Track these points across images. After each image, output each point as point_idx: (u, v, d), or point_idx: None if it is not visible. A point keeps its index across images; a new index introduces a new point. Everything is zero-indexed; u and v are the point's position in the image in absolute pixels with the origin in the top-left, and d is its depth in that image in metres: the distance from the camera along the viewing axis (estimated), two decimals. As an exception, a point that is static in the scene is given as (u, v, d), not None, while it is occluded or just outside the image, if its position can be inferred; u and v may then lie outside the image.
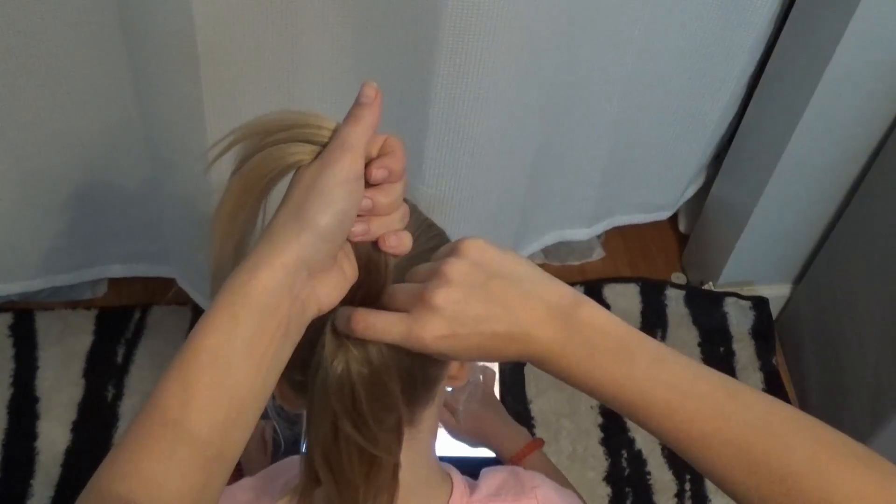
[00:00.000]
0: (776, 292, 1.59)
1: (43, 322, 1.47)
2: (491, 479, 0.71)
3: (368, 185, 0.55)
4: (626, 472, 1.41)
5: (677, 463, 1.42)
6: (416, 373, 0.59)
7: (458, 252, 0.56)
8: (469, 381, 0.74)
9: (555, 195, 1.43)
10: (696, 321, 1.57)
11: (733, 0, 1.19)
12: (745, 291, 1.59)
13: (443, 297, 0.54)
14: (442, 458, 0.71)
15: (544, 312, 0.55)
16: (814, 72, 1.21)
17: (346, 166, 0.53)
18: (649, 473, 1.41)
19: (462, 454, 1.02)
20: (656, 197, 1.54)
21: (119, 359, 1.45)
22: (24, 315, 1.48)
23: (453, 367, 0.66)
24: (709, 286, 1.59)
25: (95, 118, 1.17)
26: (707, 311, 1.57)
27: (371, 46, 1.06)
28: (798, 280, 1.57)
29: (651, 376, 0.54)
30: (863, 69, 1.19)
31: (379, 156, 0.56)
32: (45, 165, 1.22)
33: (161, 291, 1.52)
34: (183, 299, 1.47)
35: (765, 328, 1.56)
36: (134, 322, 1.49)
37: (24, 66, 1.09)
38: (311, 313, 0.54)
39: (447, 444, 1.00)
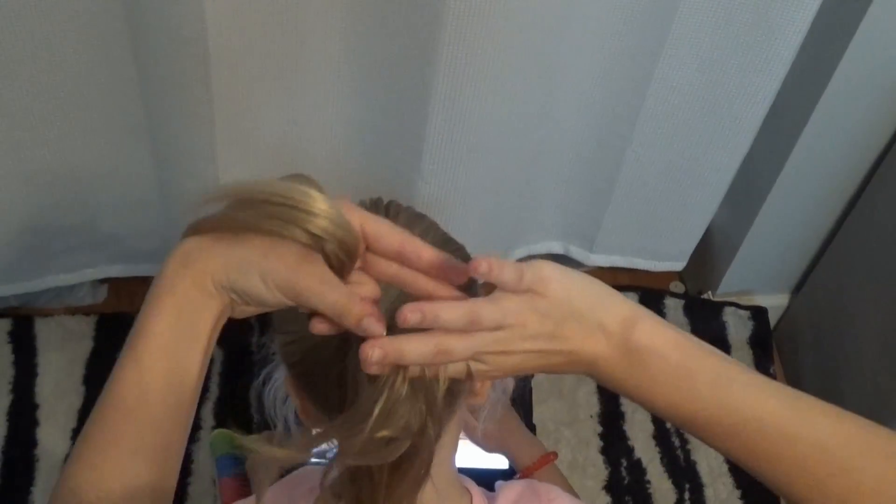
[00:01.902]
0: (774, 302, 1.60)
1: (42, 328, 1.46)
2: (508, 491, 0.71)
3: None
4: (626, 481, 1.41)
5: (677, 472, 1.42)
6: (434, 388, 0.59)
7: (528, 293, 0.55)
8: (489, 399, 0.74)
9: (555, 205, 1.44)
10: (695, 330, 1.57)
11: (753, 47, 1.17)
12: (744, 301, 1.60)
13: (512, 347, 0.54)
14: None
15: (604, 342, 0.55)
16: (816, 84, 1.22)
17: (313, 296, 0.53)
18: (649, 482, 1.42)
19: (475, 466, 1.02)
20: (670, 245, 1.54)
21: (119, 365, 1.44)
22: (23, 321, 1.47)
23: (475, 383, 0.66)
24: (707, 295, 1.60)
25: (101, 119, 1.17)
26: (706, 320, 1.58)
27: (376, 49, 1.07)
28: (797, 290, 1.58)
29: (713, 400, 0.53)
30: (865, 84, 1.20)
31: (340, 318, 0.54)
32: (49, 165, 1.22)
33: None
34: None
35: (763, 337, 1.57)
36: (134, 328, 1.48)
37: (29, 68, 1.08)
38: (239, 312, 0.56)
39: (461, 454, 1.00)
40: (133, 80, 1.12)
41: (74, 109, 1.15)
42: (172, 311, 0.53)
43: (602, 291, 0.57)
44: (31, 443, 1.35)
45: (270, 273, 0.52)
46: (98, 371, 1.43)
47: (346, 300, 0.52)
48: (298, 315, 0.55)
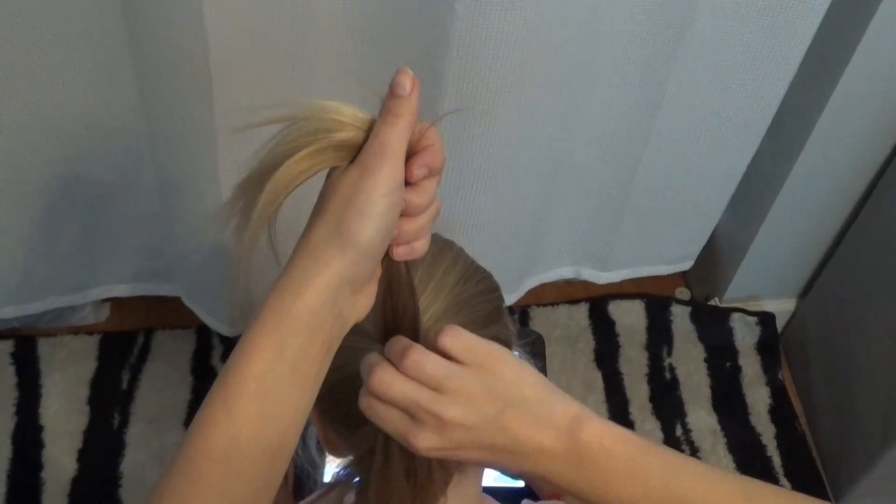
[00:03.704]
0: (781, 307, 1.59)
1: (45, 349, 1.45)
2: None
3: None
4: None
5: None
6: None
7: (476, 366, 0.52)
8: None
9: (568, 230, 1.42)
10: (702, 337, 1.57)
11: (763, 52, 1.17)
12: (751, 306, 1.59)
13: (451, 416, 0.51)
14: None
15: (554, 439, 0.53)
16: (822, 91, 1.22)
17: (387, 175, 0.50)
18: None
19: (495, 485, 1.01)
20: (679, 248, 1.53)
21: (124, 385, 1.43)
22: (25, 342, 1.45)
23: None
24: (714, 302, 1.60)
25: (103, 138, 1.17)
26: (713, 326, 1.57)
27: (380, 68, 1.06)
28: (804, 294, 1.58)
29: (666, 493, 0.53)
30: (870, 90, 1.20)
31: (418, 151, 0.52)
32: (51, 186, 1.21)
33: (164, 314, 1.50)
34: (186, 322, 1.46)
35: (771, 343, 1.57)
36: (137, 347, 1.47)
37: (31, 88, 1.08)
38: (349, 325, 0.53)
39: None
40: (136, 100, 1.11)
41: (77, 129, 1.14)
42: (272, 347, 0.50)
43: (551, 388, 0.55)
44: (37, 466, 1.34)
45: (363, 192, 0.50)
46: (102, 391, 1.41)
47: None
48: None
